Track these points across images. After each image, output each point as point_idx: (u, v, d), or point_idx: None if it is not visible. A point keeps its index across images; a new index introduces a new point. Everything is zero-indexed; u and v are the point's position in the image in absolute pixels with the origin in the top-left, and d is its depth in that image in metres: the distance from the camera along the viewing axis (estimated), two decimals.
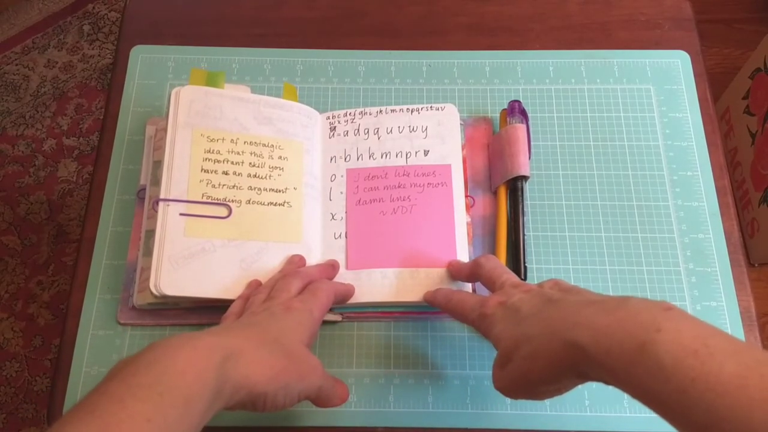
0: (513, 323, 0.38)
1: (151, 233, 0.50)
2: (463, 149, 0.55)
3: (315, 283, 0.47)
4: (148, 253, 0.50)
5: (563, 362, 0.34)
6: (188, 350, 0.33)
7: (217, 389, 0.33)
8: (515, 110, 0.56)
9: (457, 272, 0.49)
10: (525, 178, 0.53)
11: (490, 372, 0.42)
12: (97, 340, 0.50)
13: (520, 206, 0.53)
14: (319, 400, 0.41)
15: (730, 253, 0.53)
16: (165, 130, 0.51)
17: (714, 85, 0.62)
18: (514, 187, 0.53)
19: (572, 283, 0.51)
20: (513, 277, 0.44)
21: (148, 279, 0.49)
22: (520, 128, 0.54)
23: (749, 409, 0.27)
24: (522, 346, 0.36)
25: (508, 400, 0.48)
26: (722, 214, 0.55)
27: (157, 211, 0.49)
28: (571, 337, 0.33)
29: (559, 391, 0.37)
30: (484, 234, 0.54)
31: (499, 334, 0.39)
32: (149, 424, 0.30)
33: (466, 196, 0.54)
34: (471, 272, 0.48)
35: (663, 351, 0.29)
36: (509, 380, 0.38)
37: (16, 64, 1.43)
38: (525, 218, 0.53)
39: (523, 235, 0.52)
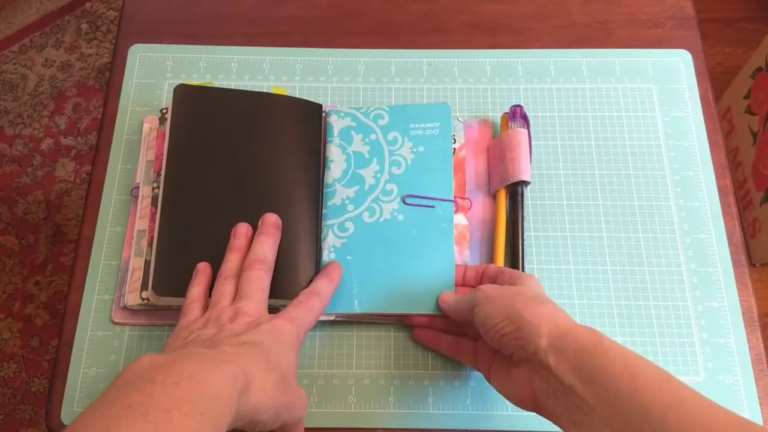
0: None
1: (143, 233, 0.50)
2: (461, 150, 0.55)
3: (311, 296, 0.45)
4: (140, 253, 0.49)
5: None
6: (220, 374, 0.34)
7: (234, 414, 0.34)
8: (517, 115, 0.55)
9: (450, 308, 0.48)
10: (525, 183, 0.53)
11: None
12: (95, 340, 0.50)
13: (520, 211, 0.52)
14: (293, 430, 0.42)
15: (731, 253, 0.53)
16: (158, 129, 0.50)
17: (715, 84, 0.61)
18: (515, 191, 0.53)
19: (573, 284, 0.52)
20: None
21: (139, 279, 0.49)
22: (522, 133, 0.54)
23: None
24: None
25: (509, 402, 0.48)
26: (724, 214, 0.55)
27: (136, 197, 0.48)
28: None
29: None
30: (482, 238, 0.53)
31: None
32: None
33: (463, 198, 0.53)
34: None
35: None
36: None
37: (14, 63, 1.42)
38: (524, 223, 0.53)
39: (522, 240, 0.52)
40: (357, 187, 0.52)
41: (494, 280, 0.47)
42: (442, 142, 0.53)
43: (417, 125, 0.54)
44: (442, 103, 0.55)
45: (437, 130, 0.54)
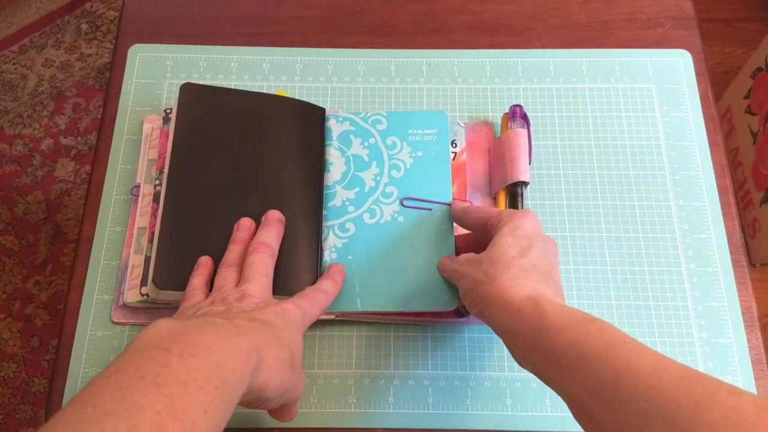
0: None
1: (143, 230, 0.50)
2: (463, 153, 0.55)
3: (316, 291, 0.46)
4: (140, 250, 0.49)
5: None
6: (237, 348, 0.34)
7: (245, 390, 0.34)
8: (516, 115, 0.55)
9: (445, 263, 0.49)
10: (525, 183, 0.53)
11: (491, 373, 0.42)
12: (95, 340, 0.50)
13: None
14: (288, 411, 0.42)
15: (731, 253, 0.53)
16: (161, 128, 0.50)
17: (715, 84, 0.61)
18: (514, 192, 0.53)
19: (573, 284, 0.52)
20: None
21: (138, 276, 0.49)
22: (521, 133, 0.54)
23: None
24: None
25: (509, 401, 0.48)
26: (724, 214, 0.55)
27: (136, 195, 0.48)
28: None
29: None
30: None
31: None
32: (205, 416, 0.30)
33: (464, 201, 0.53)
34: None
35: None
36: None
37: (14, 63, 1.42)
38: None
39: None
40: (357, 189, 0.52)
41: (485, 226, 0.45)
42: (440, 148, 0.54)
43: (415, 131, 0.54)
44: (438, 111, 0.56)
45: (435, 137, 0.54)
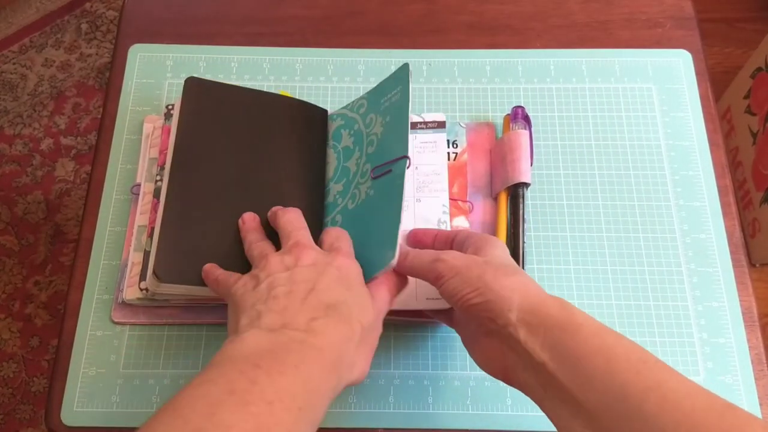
0: None
1: (143, 228, 0.50)
2: (463, 154, 0.55)
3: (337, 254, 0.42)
4: (140, 248, 0.49)
5: None
6: (320, 369, 0.35)
7: (335, 394, 0.37)
8: (518, 116, 0.55)
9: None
10: (526, 185, 0.53)
11: None
12: (95, 340, 0.50)
13: (521, 213, 0.52)
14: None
15: (731, 253, 0.53)
16: (163, 125, 0.50)
17: (715, 84, 0.61)
18: (515, 193, 0.53)
19: (573, 284, 0.52)
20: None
21: (138, 274, 0.49)
22: (523, 134, 0.54)
23: None
24: None
25: (509, 401, 0.48)
26: (724, 214, 0.55)
27: (137, 194, 0.49)
28: None
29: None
30: None
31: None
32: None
33: (465, 201, 0.53)
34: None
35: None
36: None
37: (14, 63, 1.42)
38: (525, 225, 0.53)
39: (523, 242, 0.52)
40: (345, 180, 0.51)
41: (462, 246, 0.43)
42: (401, 103, 0.48)
43: (385, 97, 0.50)
44: (402, 66, 0.49)
45: (399, 94, 0.49)
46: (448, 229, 0.51)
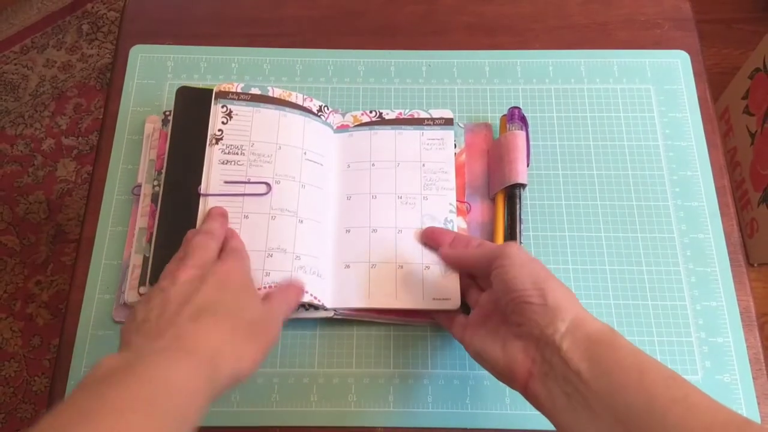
0: None
1: (143, 231, 0.50)
2: (461, 154, 0.55)
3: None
4: (141, 250, 0.50)
5: None
6: (183, 369, 0.35)
7: (211, 395, 0.36)
8: (515, 117, 0.56)
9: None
10: (523, 185, 0.53)
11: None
12: (96, 340, 0.50)
13: (518, 214, 0.53)
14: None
15: (729, 253, 0.53)
16: (161, 129, 0.51)
17: (713, 85, 0.62)
18: (512, 194, 0.53)
19: (572, 284, 0.53)
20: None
21: (138, 277, 0.49)
22: (519, 135, 0.54)
23: None
24: None
25: (508, 400, 0.48)
26: (722, 214, 0.55)
27: (138, 195, 0.49)
28: None
29: None
30: None
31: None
32: None
33: (462, 202, 0.53)
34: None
35: None
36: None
37: (15, 64, 1.42)
38: (522, 226, 0.53)
39: (520, 243, 0.52)
40: None
41: (489, 260, 0.43)
42: None
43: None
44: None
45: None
46: (455, 229, 0.51)
